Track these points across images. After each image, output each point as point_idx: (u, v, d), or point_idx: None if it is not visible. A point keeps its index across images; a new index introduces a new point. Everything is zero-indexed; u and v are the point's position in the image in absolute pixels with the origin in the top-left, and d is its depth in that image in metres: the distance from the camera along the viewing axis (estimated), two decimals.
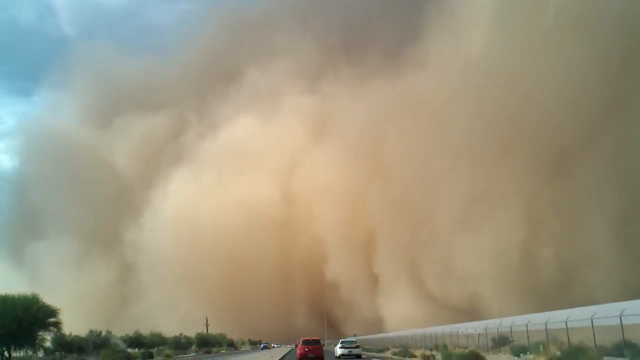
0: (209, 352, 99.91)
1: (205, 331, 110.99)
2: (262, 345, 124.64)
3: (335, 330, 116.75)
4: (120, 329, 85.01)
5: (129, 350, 74.10)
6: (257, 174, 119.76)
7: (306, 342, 45.73)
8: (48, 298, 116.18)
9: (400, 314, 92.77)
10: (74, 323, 71.02)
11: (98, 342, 66.29)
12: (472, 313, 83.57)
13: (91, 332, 68.07)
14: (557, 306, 66.26)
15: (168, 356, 78.11)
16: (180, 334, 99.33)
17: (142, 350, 76.29)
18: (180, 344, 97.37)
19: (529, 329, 42.17)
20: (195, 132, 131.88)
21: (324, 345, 54.97)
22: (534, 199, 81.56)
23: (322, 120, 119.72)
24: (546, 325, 38.94)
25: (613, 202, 72.62)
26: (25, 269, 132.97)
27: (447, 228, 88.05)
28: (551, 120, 79.80)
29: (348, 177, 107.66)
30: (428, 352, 50.88)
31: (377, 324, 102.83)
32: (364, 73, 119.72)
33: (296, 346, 70.41)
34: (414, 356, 52.80)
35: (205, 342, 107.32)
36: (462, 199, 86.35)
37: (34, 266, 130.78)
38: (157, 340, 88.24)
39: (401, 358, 54.59)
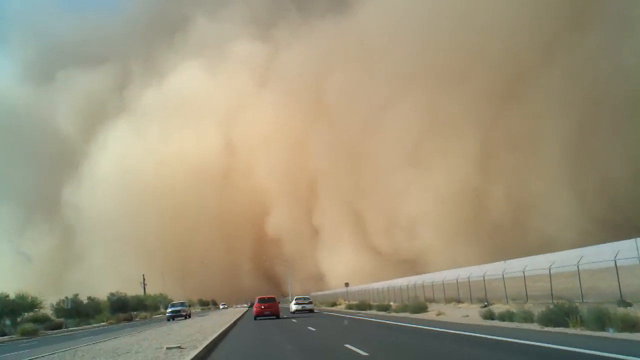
0: (128, 320, 77.21)
1: (143, 292, 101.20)
2: (169, 311, 63.34)
3: (277, 287, 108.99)
4: (60, 295, 77.72)
5: None
6: (201, 125, 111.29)
7: (262, 300, 45.39)
8: None
9: (343, 269, 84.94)
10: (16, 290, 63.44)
11: None
12: (420, 265, 76.10)
13: None
14: (508, 252, 60.25)
15: (24, 333, 51.73)
16: (62, 300, 69.72)
17: None
18: (63, 312, 68.64)
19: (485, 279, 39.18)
20: (140, 84, 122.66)
21: (279, 302, 53.11)
22: (486, 130, 73.94)
23: (270, 67, 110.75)
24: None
25: (568, 127, 65.90)
26: None
27: (393, 170, 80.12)
28: (503, 45, 72.02)
29: (291, 123, 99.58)
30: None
31: (320, 281, 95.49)
32: (313, 17, 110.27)
33: (250, 306, 77.08)
34: None
35: (123, 306, 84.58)
36: (410, 136, 78.50)
37: None
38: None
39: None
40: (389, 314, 40.31)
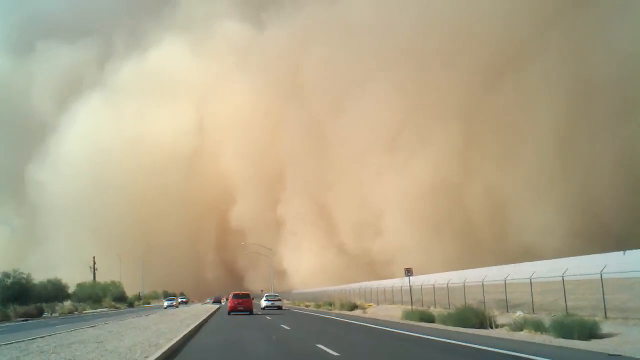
0: (28, 316, 54.34)
1: (92, 278, 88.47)
2: None
3: (239, 282, 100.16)
4: None
5: None
6: (176, 105, 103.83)
7: (237, 296, 45.43)
8: None
9: (306, 267, 76.66)
10: None
11: None
12: (393, 267, 67.58)
13: None
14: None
15: None
16: None
17: None
18: None
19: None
20: (120, 58, 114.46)
21: (253, 298, 50.66)
22: (469, 121, 65.38)
23: (253, 50, 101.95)
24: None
25: (556, 121, 58.87)
26: None
27: (366, 159, 71.76)
28: (494, 28, 64.18)
29: (265, 107, 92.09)
30: None
31: (281, 278, 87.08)
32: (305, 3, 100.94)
33: (215, 302, 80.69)
34: None
35: (22, 295, 61.59)
36: (387, 123, 70.14)
37: None
38: None
39: None
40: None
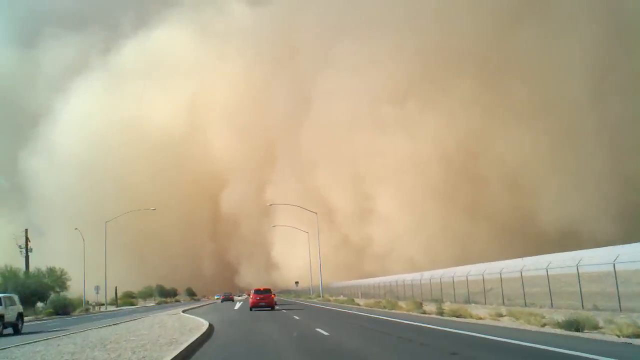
0: None
1: (25, 265, 58.25)
2: None
3: (228, 281, 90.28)
4: None
5: None
6: (173, 88, 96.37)
7: (258, 292, 44.12)
8: None
9: (295, 262, 66.28)
10: None
11: None
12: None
13: None
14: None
15: None
16: None
17: None
18: None
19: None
20: (125, 40, 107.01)
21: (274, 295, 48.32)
22: (488, 67, 54.45)
23: (253, 26, 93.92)
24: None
25: (589, 59, 48.40)
26: None
27: (367, 132, 61.26)
28: None
29: (256, 82, 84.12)
30: None
31: (271, 273, 77.06)
32: None
33: (223, 299, 74.46)
34: None
35: None
36: (393, 85, 59.64)
37: None
38: None
39: None
40: None
